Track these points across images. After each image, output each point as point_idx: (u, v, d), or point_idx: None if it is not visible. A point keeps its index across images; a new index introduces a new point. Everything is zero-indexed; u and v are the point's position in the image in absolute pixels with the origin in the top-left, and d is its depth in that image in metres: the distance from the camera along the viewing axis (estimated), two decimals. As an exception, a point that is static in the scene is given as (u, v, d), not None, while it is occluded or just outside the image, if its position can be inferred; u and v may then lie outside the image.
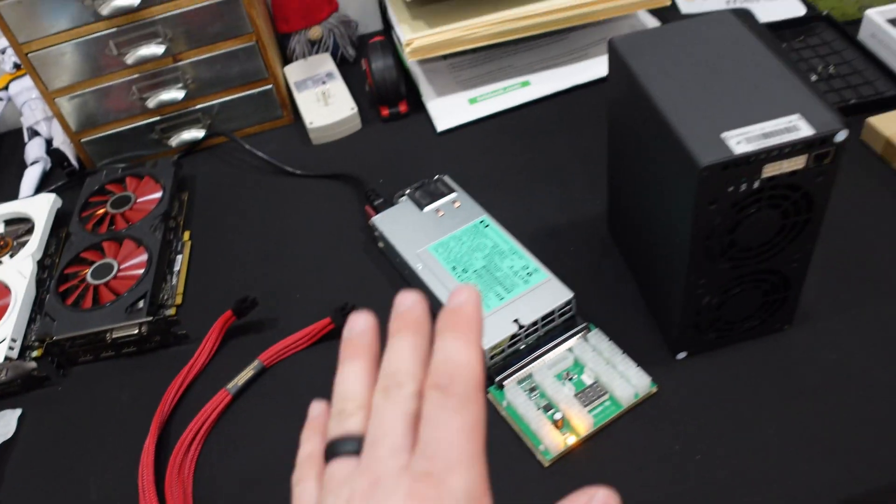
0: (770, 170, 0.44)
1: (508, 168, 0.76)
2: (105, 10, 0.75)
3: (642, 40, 0.53)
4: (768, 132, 0.44)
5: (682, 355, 0.57)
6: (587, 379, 0.56)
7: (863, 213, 0.66)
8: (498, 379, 0.56)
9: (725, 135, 0.44)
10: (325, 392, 0.59)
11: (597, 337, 0.58)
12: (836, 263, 0.62)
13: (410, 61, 0.86)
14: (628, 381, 0.54)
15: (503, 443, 0.54)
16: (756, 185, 0.45)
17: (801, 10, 0.90)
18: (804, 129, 0.43)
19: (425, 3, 0.82)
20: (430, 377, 0.28)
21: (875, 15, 0.81)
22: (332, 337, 0.63)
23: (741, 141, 0.43)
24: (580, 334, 0.58)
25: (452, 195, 0.68)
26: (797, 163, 0.44)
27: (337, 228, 0.73)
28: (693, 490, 0.50)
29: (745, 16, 0.79)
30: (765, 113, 0.45)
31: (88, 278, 0.70)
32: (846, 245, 0.63)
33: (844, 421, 0.52)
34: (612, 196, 0.64)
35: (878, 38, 0.80)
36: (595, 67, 0.84)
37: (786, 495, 0.49)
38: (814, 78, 0.78)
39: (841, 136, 0.43)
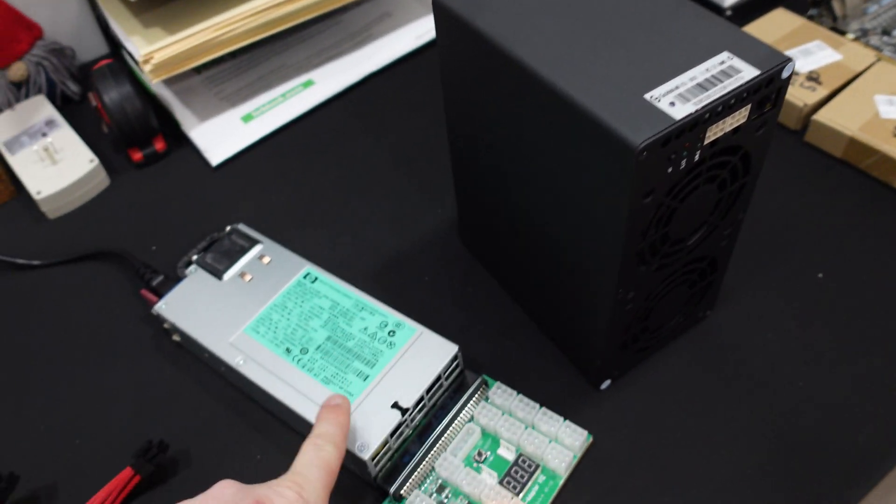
0: (713, 132, 0.32)
1: (315, 192, 0.60)
2: None
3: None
4: (702, 82, 0.31)
5: (606, 384, 0.45)
6: (506, 454, 0.42)
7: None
8: (393, 490, 0.40)
9: (650, 95, 0.31)
10: None
11: (500, 392, 0.44)
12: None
13: (154, 83, 0.67)
14: (561, 443, 0.41)
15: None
16: (697, 156, 0.33)
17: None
18: (746, 70, 0.31)
19: (157, 2, 0.62)
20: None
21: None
22: (142, 491, 0.44)
23: (674, 101, 0.31)
24: (477, 394, 0.44)
25: (257, 248, 0.51)
26: (740, 117, 0.32)
27: (109, 330, 0.53)
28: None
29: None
30: (683, 58, 0.33)
31: None
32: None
33: (800, 406, 0.43)
34: (463, 201, 0.50)
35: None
36: (384, 49, 0.70)
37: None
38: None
39: (788, 70, 0.32)
